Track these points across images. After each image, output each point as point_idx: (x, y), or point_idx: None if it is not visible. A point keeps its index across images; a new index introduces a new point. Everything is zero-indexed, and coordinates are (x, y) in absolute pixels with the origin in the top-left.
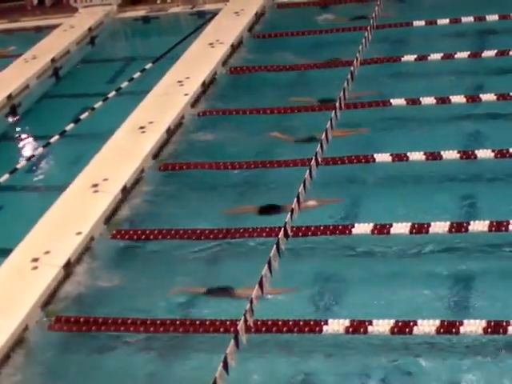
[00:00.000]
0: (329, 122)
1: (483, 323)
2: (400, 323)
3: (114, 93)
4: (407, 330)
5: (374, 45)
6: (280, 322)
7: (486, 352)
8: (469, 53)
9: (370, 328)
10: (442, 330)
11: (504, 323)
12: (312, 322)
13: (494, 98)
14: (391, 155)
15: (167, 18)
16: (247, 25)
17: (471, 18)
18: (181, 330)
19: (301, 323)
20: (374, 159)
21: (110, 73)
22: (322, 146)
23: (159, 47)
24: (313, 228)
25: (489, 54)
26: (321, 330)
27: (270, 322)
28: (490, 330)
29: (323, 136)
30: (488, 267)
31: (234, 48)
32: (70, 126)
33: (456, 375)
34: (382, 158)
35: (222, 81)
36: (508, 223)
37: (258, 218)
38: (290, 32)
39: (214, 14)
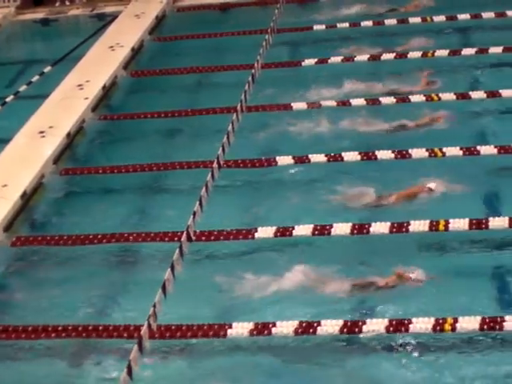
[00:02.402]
0: (230, 125)
1: (386, 322)
2: (304, 324)
3: (12, 97)
4: (311, 330)
5: (276, 48)
6: (184, 327)
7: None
8: (369, 56)
9: (273, 329)
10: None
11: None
12: (216, 326)
13: (394, 100)
14: (293, 158)
15: (67, 20)
16: (148, 28)
17: (370, 23)
18: (84, 336)
19: (205, 327)
20: (276, 162)
21: (8, 76)
22: (223, 149)
23: (59, 50)
24: (216, 232)
25: (388, 56)
26: (225, 335)
27: (173, 327)
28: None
29: (225, 139)
30: None
31: (135, 51)
32: None
33: None
34: (285, 160)
35: (123, 84)
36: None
37: (161, 222)
38: (191, 35)
39: (115, 16)
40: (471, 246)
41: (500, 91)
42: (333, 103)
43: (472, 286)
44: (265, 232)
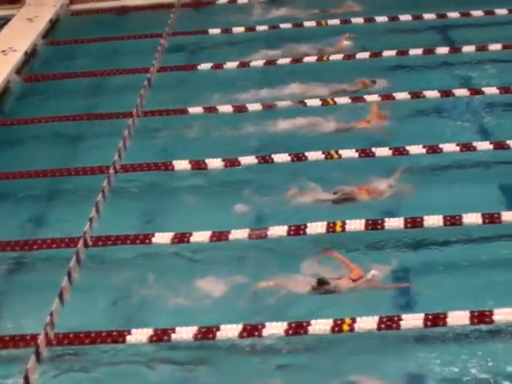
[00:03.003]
0: (126, 130)
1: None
2: (203, 329)
3: None
4: (210, 335)
5: (172, 52)
6: (82, 334)
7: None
8: (264, 61)
9: (173, 336)
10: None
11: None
12: (115, 333)
13: (290, 103)
14: (190, 162)
15: None
16: (41, 31)
17: (265, 27)
18: None
19: (103, 334)
20: (173, 167)
21: None
22: (119, 154)
23: None
24: (113, 238)
25: (284, 61)
26: (124, 341)
27: (71, 335)
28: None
29: (121, 144)
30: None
31: (28, 55)
32: None
33: None
34: (182, 165)
35: (17, 89)
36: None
37: (58, 228)
38: (86, 39)
39: (7, 20)
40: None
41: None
42: (229, 108)
43: None
44: (162, 238)
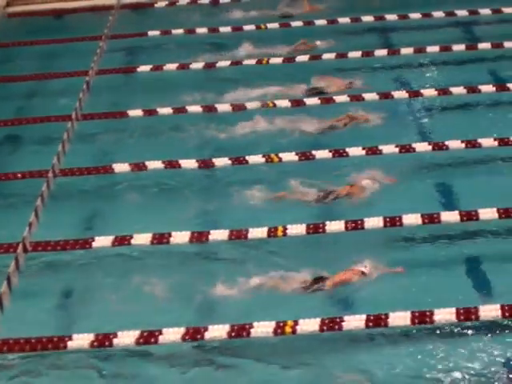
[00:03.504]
0: (65, 134)
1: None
2: (145, 333)
3: None
4: (152, 339)
5: (110, 54)
6: (22, 340)
7: None
8: (204, 63)
9: (115, 340)
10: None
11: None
12: (56, 339)
13: (230, 108)
14: (130, 165)
15: None
16: None
17: (205, 29)
18: None
19: (44, 340)
20: (113, 170)
21: None
22: (58, 158)
23: None
24: (53, 243)
25: (223, 64)
26: (65, 346)
27: (11, 341)
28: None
29: (60, 148)
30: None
31: None
32: None
33: None
34: (121, 167)
35: None
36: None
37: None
38: (23, 42)
39: None
40: None
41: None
42: (169, 110)
43: None
44: (103, 241)
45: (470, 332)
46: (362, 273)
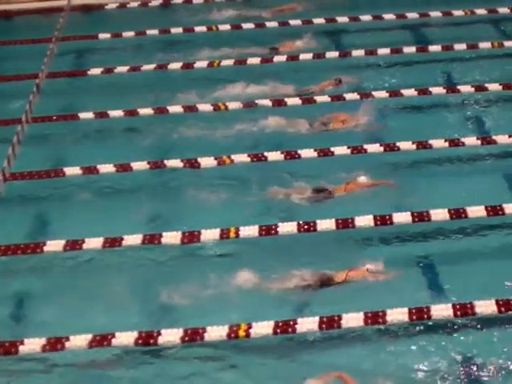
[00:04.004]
0: (15, 137)
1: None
2: (98, 337)
3: None
4: (105, 343)
5: (61, 57)
6: None
7: None
8: (155, 65)
9: (67, 344)
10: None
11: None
12: (7, 344)
13: (181, 110)
14: (81, 168)
15: None
16: None
17: (156, 31)
18: None
19: None
20: (64, 173)
21: None
22: (9, 162)
23: None
24: (3, 248)
25: (175, 66)
26: (17, 351)
27: None
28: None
29: (10, 151)
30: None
31: None
32: None
33: None
34: (72, 171)
35: None
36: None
37: None
38: None
39: None
40: None
41: None
42: (120, 113)
43: None
44: (54, 246)
45: (421, 332)
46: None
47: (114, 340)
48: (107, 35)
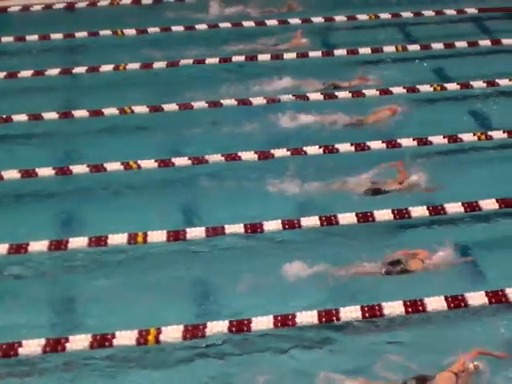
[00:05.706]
0: None
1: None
2: (51, 341)
3: None
4: (59, 348)
5: None
6: None
7: None
8: (60, 69)
9: (19, 350)
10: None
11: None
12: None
13: (87, 114)
14: (19, 172)
15: None
16: None
17: (60, 35)
18: None
19: None
20: (2, 177)
21: None
22: None
23: None
24: None
25: (80, 70)
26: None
27: None
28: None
29: None
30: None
31: None
32: None
33: None
34: (10, 174)
35: None
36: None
37: None
38: None
39: None
40: None
41: None
42: (24, 117)
43: None
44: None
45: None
46: None
47: (67, 344)
48: (10, 39)
